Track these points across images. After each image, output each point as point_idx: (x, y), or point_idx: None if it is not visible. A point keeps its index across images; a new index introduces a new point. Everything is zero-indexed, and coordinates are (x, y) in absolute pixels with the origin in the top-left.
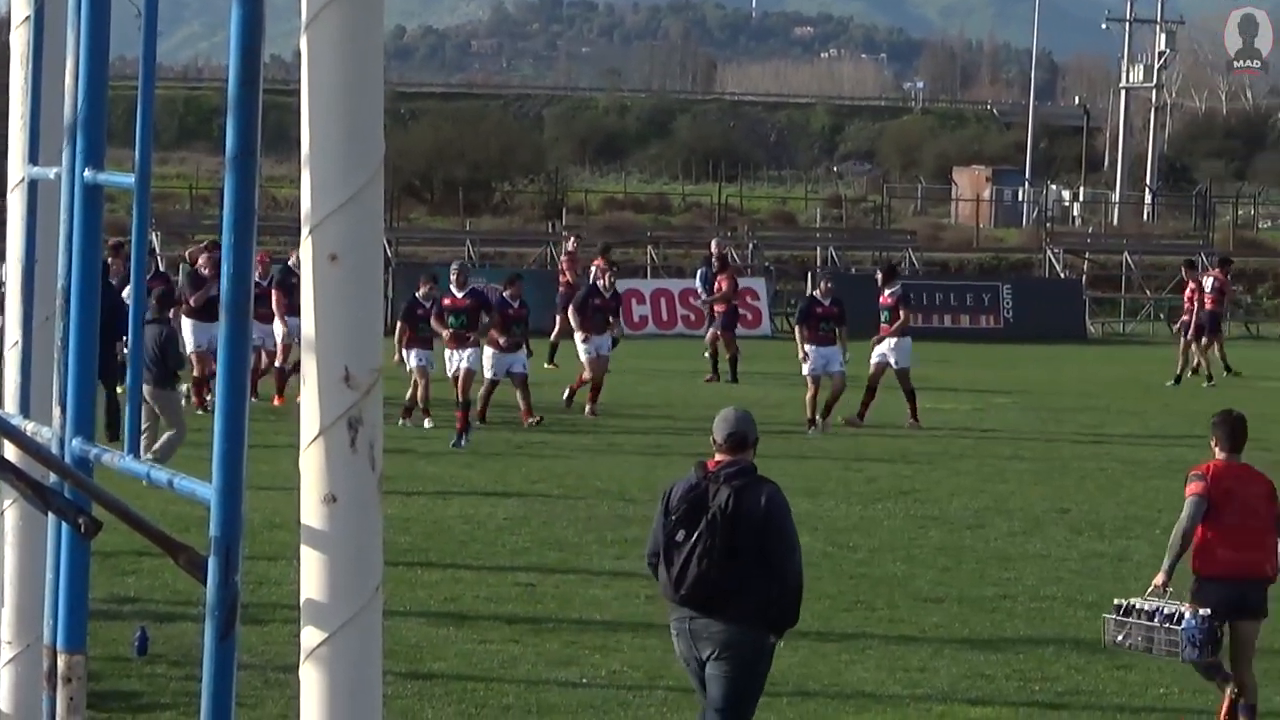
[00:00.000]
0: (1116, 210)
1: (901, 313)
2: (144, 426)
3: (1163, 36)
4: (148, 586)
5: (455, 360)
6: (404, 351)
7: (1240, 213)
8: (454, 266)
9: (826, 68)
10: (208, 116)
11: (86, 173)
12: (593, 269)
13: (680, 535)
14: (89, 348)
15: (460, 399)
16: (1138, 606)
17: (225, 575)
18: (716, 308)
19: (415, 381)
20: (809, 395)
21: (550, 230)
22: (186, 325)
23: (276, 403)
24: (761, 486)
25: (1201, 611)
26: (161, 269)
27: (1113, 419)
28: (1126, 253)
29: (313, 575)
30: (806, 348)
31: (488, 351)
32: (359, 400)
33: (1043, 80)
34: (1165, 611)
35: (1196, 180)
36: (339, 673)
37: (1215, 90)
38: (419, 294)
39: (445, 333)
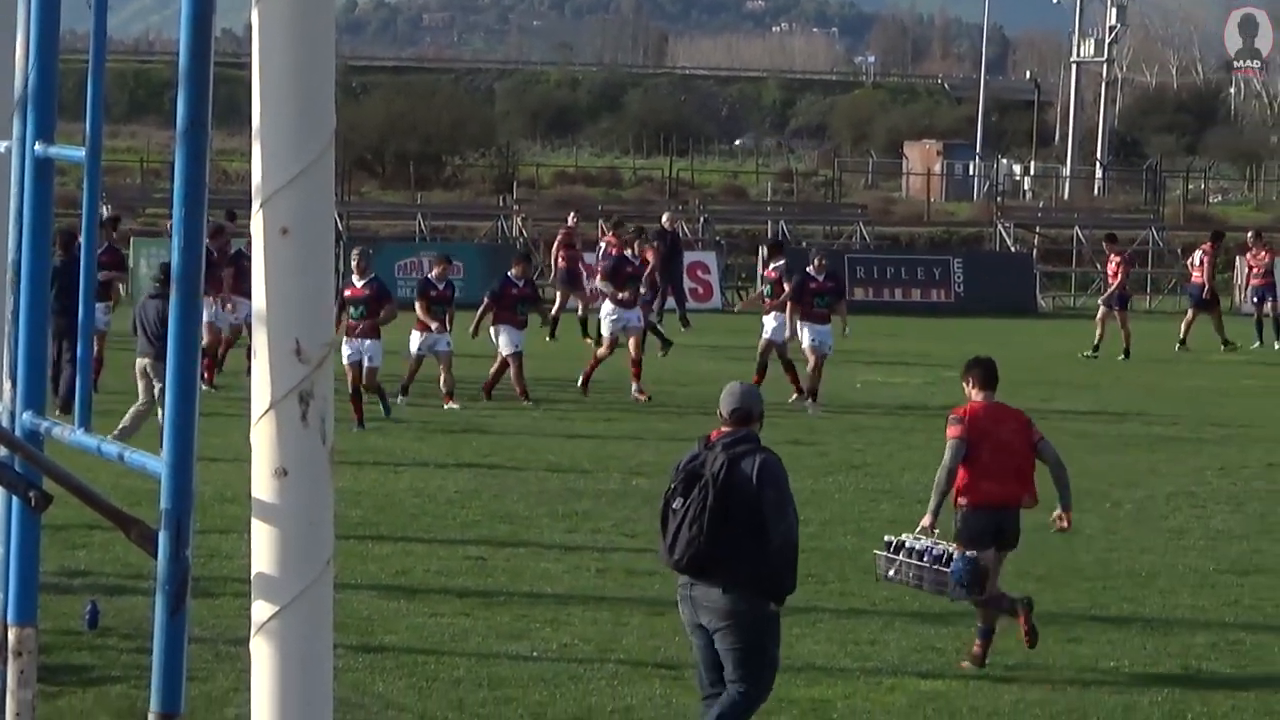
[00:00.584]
0: (1067, 184)
1: (786, 286)
2: (142, 403)
3: (1113, 11)
4: (99, 560)
5: (351, 350)
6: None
7: (1191, 187)
8: (355, 253)
9: (778, 42)
10: (159, 90)
11: (37, 146)
12: (602, 244)
13: (677, 503)
14: (39, 322)
15: (352, 388)
16: (908, 545)
17: (176, 549)
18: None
19: (413, 363)
20: (810, 367)
21: (501, 204)
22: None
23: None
24: (756, 455)
25: (968, 554)
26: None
27: (1063, 393)
28: (1077, 227)
29: (264, 549)
30: (802, 324)
31: (499, 328)
32: (310, 374)
33: (994, 55)
34: (934, 552)
35: (1147, 154)
36: (290, 646)
37: (1166, 65)
38: (432, 275)
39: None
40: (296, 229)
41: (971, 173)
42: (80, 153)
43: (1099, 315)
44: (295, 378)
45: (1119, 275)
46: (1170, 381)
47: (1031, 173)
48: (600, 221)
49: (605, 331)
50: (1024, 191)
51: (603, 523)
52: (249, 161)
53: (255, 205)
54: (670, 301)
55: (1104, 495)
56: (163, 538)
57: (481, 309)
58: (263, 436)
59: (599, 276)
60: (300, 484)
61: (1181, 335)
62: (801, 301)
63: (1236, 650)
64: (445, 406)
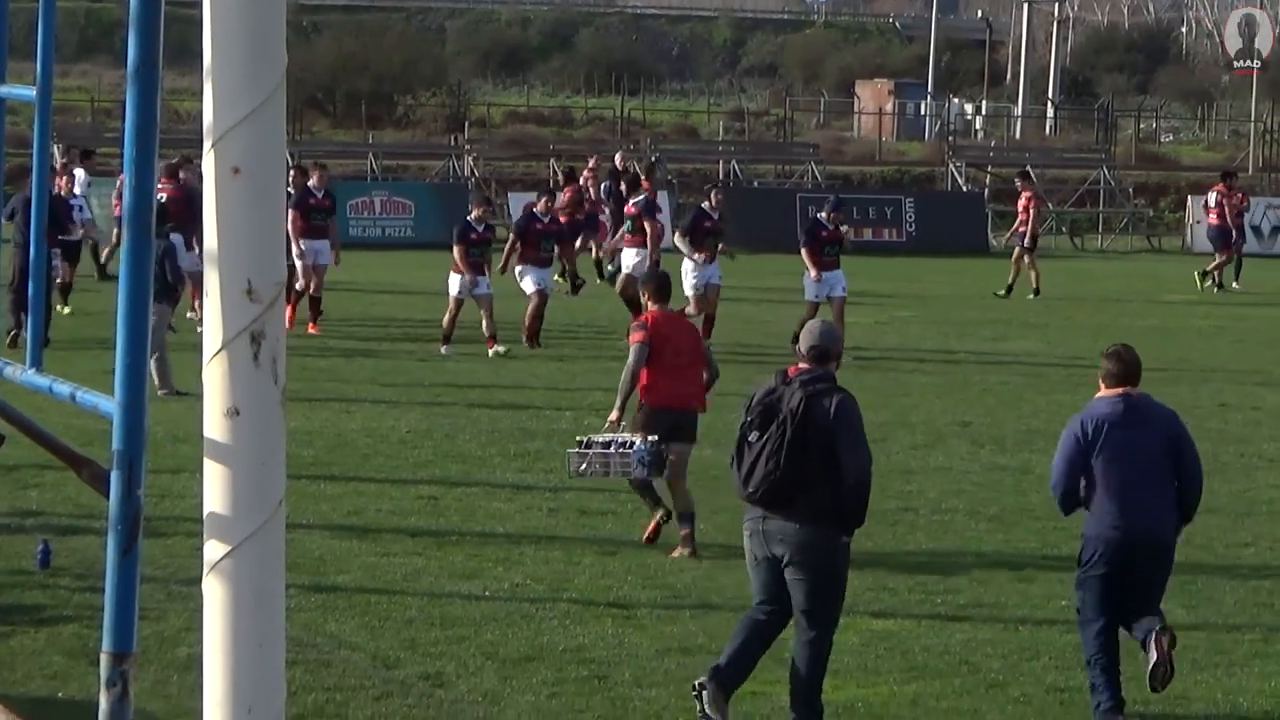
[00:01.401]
0: (1019, 124)
1: (645, 225)
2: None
3: None
4: (50, 500)
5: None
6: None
7: (1142, 126)
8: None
9: None
10: (109, 29)
11: None
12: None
13: (753, 436)
14: None
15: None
16: (595, 440)
17: (128, 489)
18: (562, 219)
19: (452, 306)
20: (805, 317)
21: (453, 144)
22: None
23: (312, 330)
24: (834, 394)
25: (650, 438)
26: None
27: (1015, 332)
28: (1029, 166)
29: (216, 489)
30: (811, 272)
31: (524, 266)
32: (262, 314)
33: None
34: (619, 440)
35: (1099, 94)
36: (242, 585)
37: (1117, 3)
38: (471, 217)
39: None
40: (248, 169)
41: (923, 112)
42: (31, 92)
43: (1014, 255)
44: (247, 318)
45: (1028, 214)
46: (1121, 321)
47: (983, 112)
48: (552, 161)
49: (689, 291)
50: (975, 131)
51: (555, 462)
52: (201, 101)
53: (207, 145)
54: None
55: (1055, 435)
56: (115, 478)
57: (508, 247)
58: (214, 377)
59: (677, 235)
60: (252, 424)
61: (1217, 280)
62: (811, 250)
63: (1187, 590)
64: (490, 352)
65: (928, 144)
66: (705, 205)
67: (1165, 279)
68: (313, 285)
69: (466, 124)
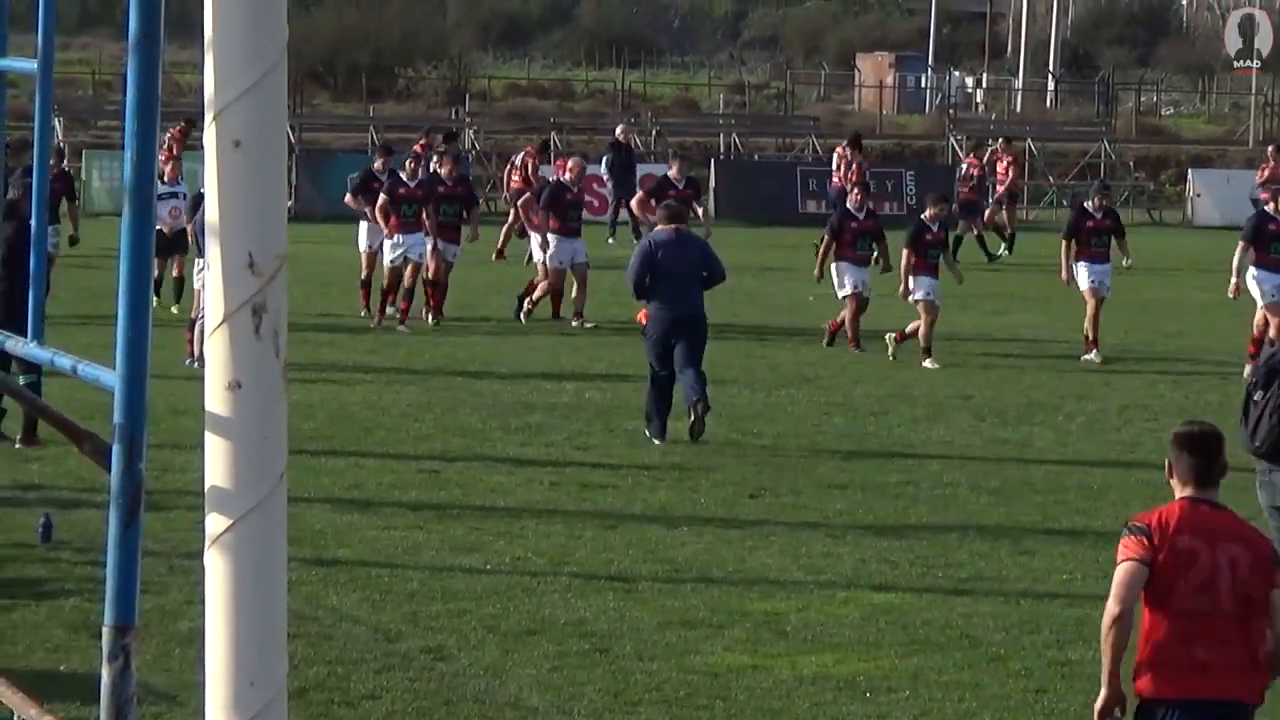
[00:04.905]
0: (1019, 97)
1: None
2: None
3: None
4: (51, 473)
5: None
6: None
7: (1143, 99)
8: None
9: None
10: (110, 1)
11: None
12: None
13: (1258, 395)
14: None
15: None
16: None
17: (129, 462)
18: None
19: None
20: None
21: (454, 116)
22: (362, 226)
23: (379, 320)
24: None
25: None
26: None
27: (1016, 305)
28: (1029, 139)
29: (217, 462)
30: (842, 265)
31: (551, 238)
32: (263, 286)
33: None
34: None
35: (1099, 67)
36: (244, 559)
37: None
38: (566, 178)
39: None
40: (249, 142)
41: (924, 85)
42: (32, 65)
43: (989, 215)
44: (248, 290)
45: (1008, 174)
46: (1123, 295)
47: (984, 85)
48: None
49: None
50: (976, 104)
51: (556, 436)
52: (202, 74)
53: (208, 118)
54: (624, 214)
55: (1056, 408)
56: (116, 451)
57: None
58: (216, 350)
59: (636, 200)
60: (253, 397)
61: None
62: (840, 242)
63: None
64: (574, 324)
65: (928, 117)
66: (670, 173)
67: (1166, 252)
68: (431, 272)
69: (467, 97)
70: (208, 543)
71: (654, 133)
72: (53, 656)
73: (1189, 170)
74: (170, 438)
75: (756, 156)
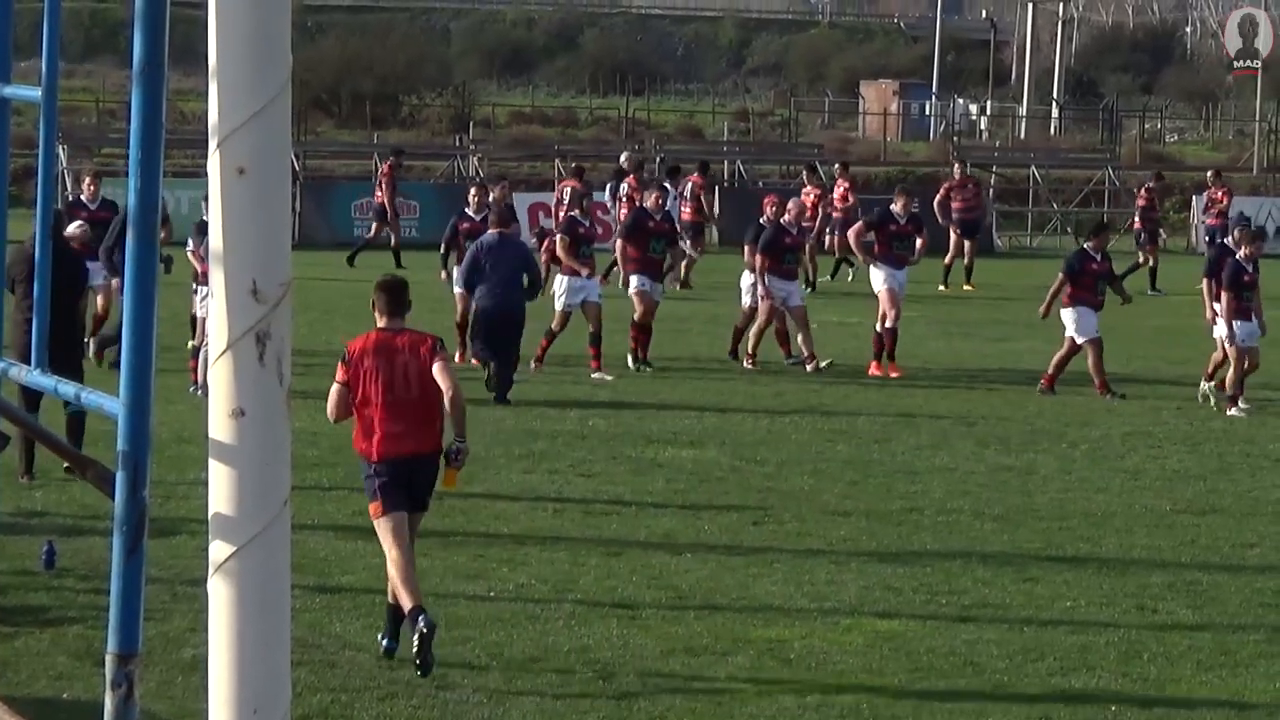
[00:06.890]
0: (1024, 124)
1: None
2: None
3: None
4: (55, 501)
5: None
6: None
7: (1147, 126)
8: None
9: None
10: (114, 29)
11: None
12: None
13: None
14: None
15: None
16: None
17: (133, 489)
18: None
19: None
20: (890, 315)
21: (458, 144)
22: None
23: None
24: None
25: None
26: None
27: (1019, 332)
28: (1034, 166)
29: (221, 489)
30: (878, 266)
31: (561, 279)
32: (267, 314)
33: None
34: None
35: (1103, 94)
36: (247, 586)
37: (1122, 3)
38: (576, 212)
39: None
40: (253, 169)
41: (928, 112)
42: (36, 93)
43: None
44: (252, 318)
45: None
46: (1130, 321)
47: (988, 112)
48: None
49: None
50: (980, 131)
51: (559, 463)
52: (206, 102)
53: (212, 145)
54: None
55: (1060, 435)
56: (120, 478)
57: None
58: (220, 377)
59: (618, 239)
60: (257, 424)
61: None
62: (879, 242)
63: (1193, 590)
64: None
65: (932, 144)
66: (648, 205)
67: (1170, 279)
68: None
69: (471, 124)
70: (211, 569)
71: (658, 160)
72: (56, 684)
73: (1192, 197)
74: (174, 464)
75: (761, 184)
